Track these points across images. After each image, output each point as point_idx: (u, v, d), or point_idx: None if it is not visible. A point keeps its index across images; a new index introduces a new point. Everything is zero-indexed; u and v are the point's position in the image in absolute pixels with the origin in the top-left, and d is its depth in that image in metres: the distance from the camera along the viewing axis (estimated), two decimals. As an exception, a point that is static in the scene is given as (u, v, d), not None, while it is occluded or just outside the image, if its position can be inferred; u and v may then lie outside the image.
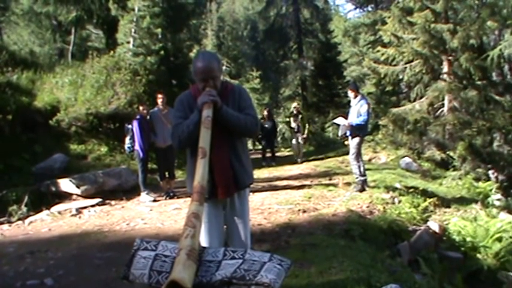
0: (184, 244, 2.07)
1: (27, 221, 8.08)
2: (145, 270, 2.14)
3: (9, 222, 8.07)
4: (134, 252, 2.26)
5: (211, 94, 3.03)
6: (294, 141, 15.54)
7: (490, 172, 14.42)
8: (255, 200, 8.48)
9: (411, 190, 9.57)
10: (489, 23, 14.18)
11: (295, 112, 15.27)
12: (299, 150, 15.50)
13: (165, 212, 8.23)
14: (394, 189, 9.45)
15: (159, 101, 9.49)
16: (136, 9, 16.94)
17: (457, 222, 7.84)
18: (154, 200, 9.33)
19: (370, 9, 24.78)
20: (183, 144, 3.18)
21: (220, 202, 3.28)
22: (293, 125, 15.22)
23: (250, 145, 23.48)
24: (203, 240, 3.16)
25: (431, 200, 9.00)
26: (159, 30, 17.34)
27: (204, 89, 3.11)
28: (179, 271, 1.92)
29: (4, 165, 10.05)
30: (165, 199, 9.49)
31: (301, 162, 15.11)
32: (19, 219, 8.17)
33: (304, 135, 15.32)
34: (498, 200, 11.03)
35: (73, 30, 22.55)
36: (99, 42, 23.39)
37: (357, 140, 8.93)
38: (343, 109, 17.51)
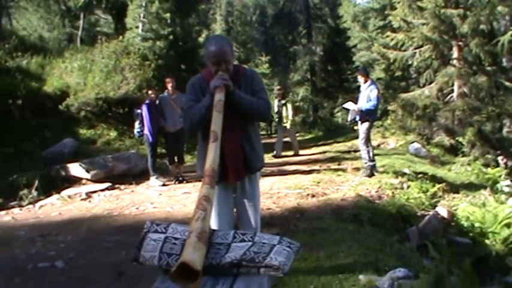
0: (194, 227, 2.07)
1: (37, 205, 8.14)
2: (155, 252, 2.14)
3: (20, 206, 8.12)
4: (144, 234, 2.26)
5: (223, 78, 3.01)
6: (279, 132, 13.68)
7: (499, 158, 14.36)
8: (264, 184, 8.49)
9: (420, 175, 9.57)
10: (500, 8, 14.05)
11: (277, 97, 13.58)
12: (291, 142, 13.80)
13: (174, 196, 8.27)
14: (403, 174, 9.45)
15: (169, 85, 9.45)
16: (145, -6, 16.92)
17: (465, 208, 7.83)
18: (164, 185, 9.37)
19: (379, -6, 24.61)
20: (195, 127, 3.18)
21: (230, 185, 3.30)
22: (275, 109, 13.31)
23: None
24: (213, 223, 3.18)
25: (440, 185, 9.00)
26: (167, 15, 17.33)
27: (216, 72, 3.09)
28: (189, 253, 1.92)
29: (14, 149, 10.11)
30: (174, 183, 9.53)
31: (279, 156, 12.99)
32: (30, 203, 8.23)
33: (287, 125, 13.03)
34: (507, 186, 10.98)
35: (82, 15, 22.54)
36: (108, 27, 23.43)
37: (366, 125, 8.91)
38: (352, 94, 17.44)
